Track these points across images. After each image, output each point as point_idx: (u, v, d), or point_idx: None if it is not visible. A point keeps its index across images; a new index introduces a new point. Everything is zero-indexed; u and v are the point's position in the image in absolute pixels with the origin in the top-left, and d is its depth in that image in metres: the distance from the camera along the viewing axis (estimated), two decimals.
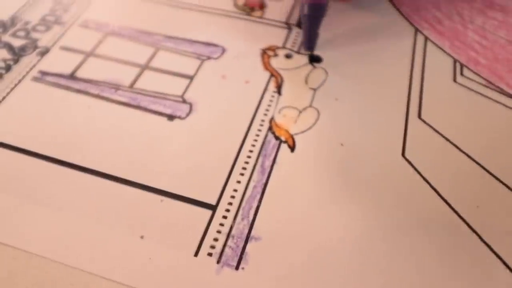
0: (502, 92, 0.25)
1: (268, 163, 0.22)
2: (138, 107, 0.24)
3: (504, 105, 0.25)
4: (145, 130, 0.23)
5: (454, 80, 0.26)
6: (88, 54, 0.27)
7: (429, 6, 0.31)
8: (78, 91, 0.25)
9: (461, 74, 0.26)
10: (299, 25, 0.29)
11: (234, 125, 0.23)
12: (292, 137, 0.23)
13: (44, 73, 0.26)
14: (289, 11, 0.30)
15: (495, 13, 0.30)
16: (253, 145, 0.23)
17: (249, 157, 0.22)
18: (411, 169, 0.22)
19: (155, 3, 0.31)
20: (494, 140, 0.23)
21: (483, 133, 0.23)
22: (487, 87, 0.26)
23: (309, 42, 0.27)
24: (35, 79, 0.26)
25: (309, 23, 0.27)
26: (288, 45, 0.28)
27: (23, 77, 0.26)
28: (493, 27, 0.29)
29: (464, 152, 0.22)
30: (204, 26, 0.29)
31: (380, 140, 0.23)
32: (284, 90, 0.25)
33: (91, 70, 0.26)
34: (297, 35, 0.29)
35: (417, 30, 0.29)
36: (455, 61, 0.27)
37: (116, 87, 0.25)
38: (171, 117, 0.24)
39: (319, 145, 0.23)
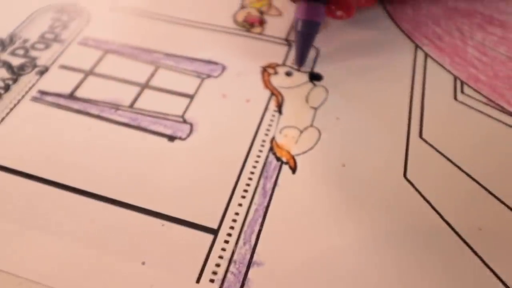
0: (502, 110, 0.25)
1: (269, 185, 0.22)
2: (138, 127, 0.24)
3: (504, 123, 0.25)
4: (146, 151, 0.23)
5: (455, 98, 0.26)
6: (88, 73, 0.27)
7: (429, 22, 0.31)
8: (78, 111, 0.25)
9: (462, 91, 0.26)
10: None
11: (235, 146, 0.23)
12: (293, 158, 0.23)
13: (43, 93, 0.26)
14: (289, 27, 0.30)
15: (494, 29, 0.30)
16: (254, 167, 0.23)
17: (250, 179, 0.22)
18: (413, 190, 0.22)
19: (155, 19, 0.31)
20: (496, 161, 0.23)
21: (484, 153, 0.23)
22: (487, 105, 0.26)
23: (301, 58, 0.27)
24: (35, 99, 0.26)
25: (302, 39, 0.27)
26: (288, 63, 0.28)
27: (22, 97, 0.26)
28: (493, 43, 0.29)
29: (465, 173, 0.22)
30: (203, 43, 0.29)
31: (382, 160, 0.23)
32: (284, 109, 0.25)
33: (91, 89, 0.26)
34: None
35: (417, 47, 0.29)
36: (455, 78, 0.27)
37: (116, 107, 0.25)
38: (171, 138, 0.24)
39: (321, 166, 0.23)
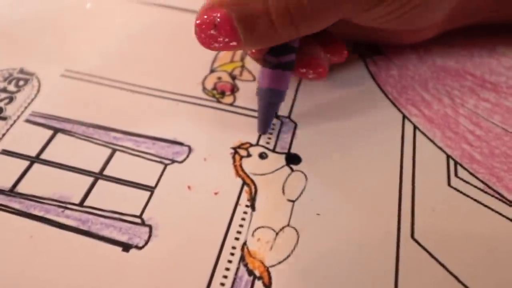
0: (502, 199, 0.23)
1: None
2: (88, 233, 0.21)
3: (505, 217, 0.22)
4: (96, 264, 0.20)
5: (449, 183, 0.23)
6: (34, 160, 0.24)
7: (415, 85, 0.29)
8: (19, 212, 0.21)
9: (456, 174, 0.24)
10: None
11: (200, 255, 0.20)
12: (267, 270, 0.20)
13: None
14: None
15: (487, 94, 0.28)
16: (223, 284, 0.19)
17: None
18: None
19: (113, 88, 0.28)
20: (498, 270, 0.20)
21: (483, 257, 0.20)
22: (485, 192, 0.23)
23: (264, 126, 0.25)
24: None
25: (266, 108, 0.24)
26: (263, 141, 0.25)
27: None
28: (487, 112, 0.27)
29: (462, 283, 0.20)
30: (167, 118, 0.26)
31: (370, 273, 0.20)
32: (258, 203, 0.22)
33: (36, 181, 0.23)
34: (273, 127, 0.26)
35: (404, 117, 0.26)
36: (448, 156, 0.25)
37: (64, 205, 0.22)
38: (126, 247, 0.20)
39: (299, 282, 0.19)
